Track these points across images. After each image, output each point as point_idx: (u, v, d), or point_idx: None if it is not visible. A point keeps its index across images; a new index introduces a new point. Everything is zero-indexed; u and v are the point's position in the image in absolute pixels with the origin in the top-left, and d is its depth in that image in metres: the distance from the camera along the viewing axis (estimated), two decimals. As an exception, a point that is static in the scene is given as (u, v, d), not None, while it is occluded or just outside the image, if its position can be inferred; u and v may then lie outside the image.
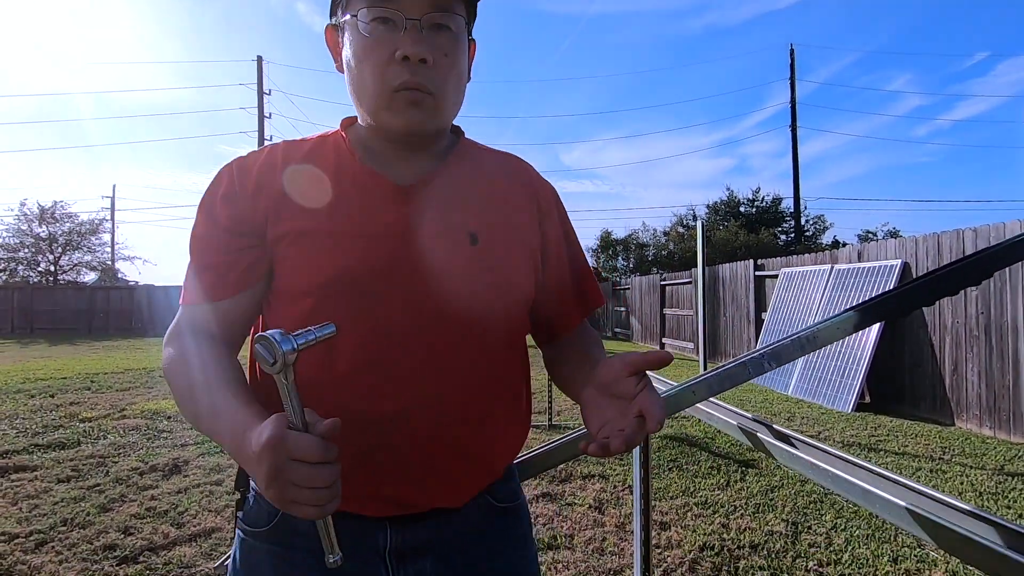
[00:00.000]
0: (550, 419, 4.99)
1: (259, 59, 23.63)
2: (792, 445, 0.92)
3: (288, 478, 0.52)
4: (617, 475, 3.55)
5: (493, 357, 0.73)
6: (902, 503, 0.64)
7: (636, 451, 2.02)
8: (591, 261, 26.55)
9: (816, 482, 0.90)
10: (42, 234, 25.10)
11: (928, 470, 3.77)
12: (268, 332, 0.52)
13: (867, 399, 6.07)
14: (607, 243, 26.15)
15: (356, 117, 0.78)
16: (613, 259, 26.34)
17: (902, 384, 5.83)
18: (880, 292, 5.87)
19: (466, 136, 0.82)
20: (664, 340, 12.56)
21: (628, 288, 15.45)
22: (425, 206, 0.72)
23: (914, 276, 5.68)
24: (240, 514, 0.77)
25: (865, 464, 0.78)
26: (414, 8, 0.67)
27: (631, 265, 25.52)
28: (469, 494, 0.73)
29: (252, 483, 0.77)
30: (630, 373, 0.61)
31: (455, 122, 0.81)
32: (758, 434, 0.98)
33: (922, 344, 5.60)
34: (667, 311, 12.49)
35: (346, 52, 0.72)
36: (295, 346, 0.53)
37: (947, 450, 4.25)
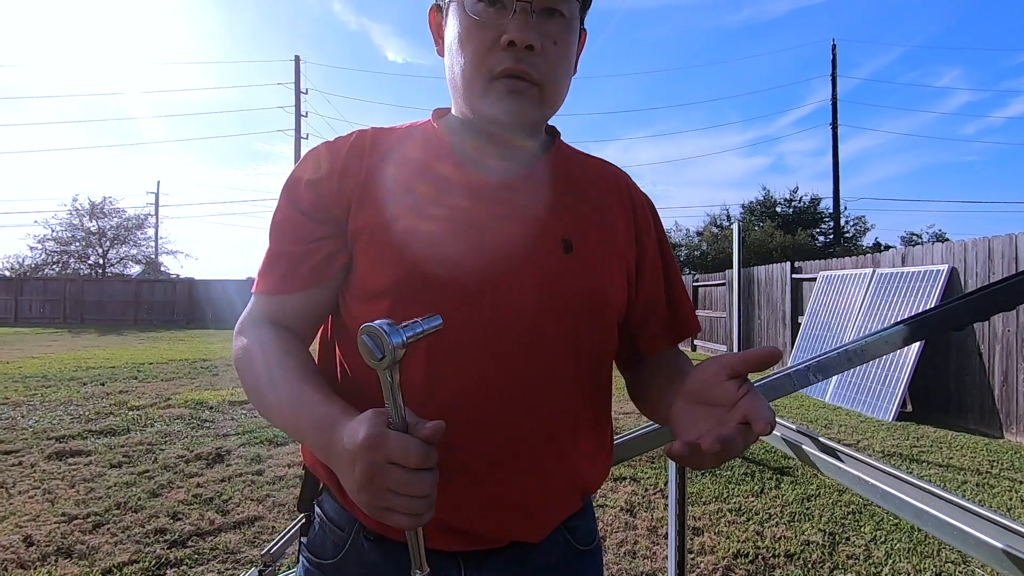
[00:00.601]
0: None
1: (296, 59, 24.17)
2: (838, 459, 0.91)
3: (384, 483, 0.48)
4: (648, 478, 3.54)
5: (582, 375, 0.67)
6: (958, 524, 0.64)
7: (672, 456, 2.02)
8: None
9: (862, 495, 0.90)
10: (92, 228, 26.28)
11: (975, 484, 3.64)
12: (375, 323, 0.47)
13: (909, 408, 5.87)
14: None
15: (448, 108, 0.74)
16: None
17: (947, 393, 5.62)
18: (925, 298, 5.68)
19: (562, 138, 0.77)
20: (696, 342, 12.39)
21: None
22: (518, 207, 0.67)
23: (962, 282, 5.50)
24: (304, 540, 0.72)
25: (914, 480, 0.78)
26: None
27: (662, 265, 25.12)
28: (549, 527, 0.67)
29: (317, 509, 0.72)
30: (728, 376, 0.53)
31: (551, 122, 0.76)
32: (803, 446, 0.98)
33: (970, 352, 5.39)
34: (700, 312, 12.30)
35: (448, 34, 0.68)
36: (404, 339, 0.48)
37: (995, 464, 4.09)
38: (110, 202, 26.71)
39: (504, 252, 0.64)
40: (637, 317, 0.76)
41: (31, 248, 27.04)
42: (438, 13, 0.71)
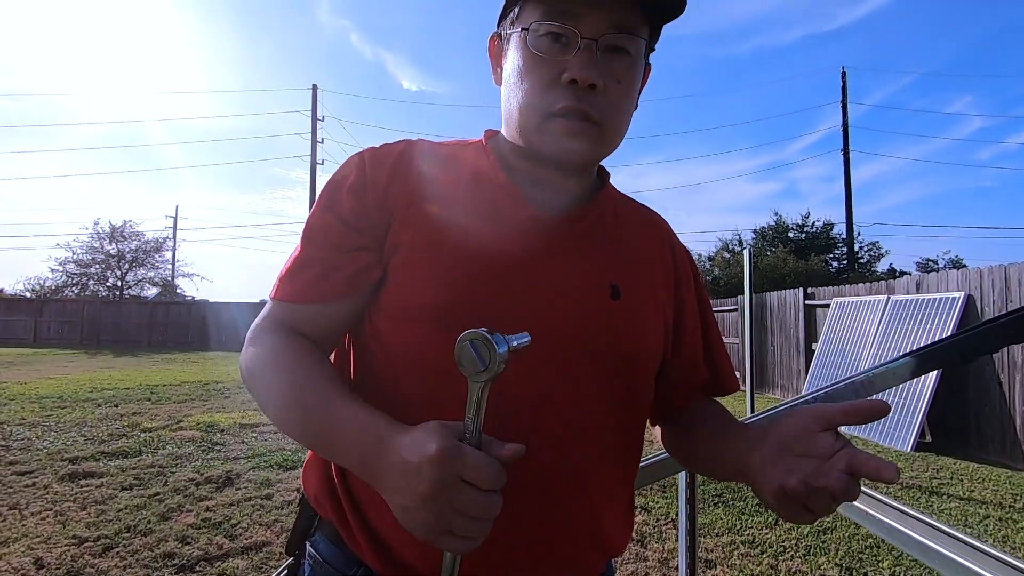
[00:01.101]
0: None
1: (314, 88, 24.77)
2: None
3: (451, 502, 0.45)
4: (660, 508, 3.48)
5: (619, 426, 0.65)
6: (965, 562, 0.63)
7: (682, 484, 1.99)
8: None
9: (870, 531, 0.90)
10: (111, 251, 26.77)
11: (997, 518, 3.53)
12: (480, 330, 0.45)
13: (928, 438, 5.74)
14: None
15: (498, 131, 0.72)
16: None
17: (967, 424, 5.49)
18: (941, 326, 5.59)
19: (610, 181, 0.75)
20: (708, 368, 12.25)
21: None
22: (569, 245, 0.65)
23: (979, 310, 5.41)
24: None
25: (922, 516, 0.77)
26: (593, 27, 0.60)
27: (674, 290, 24.99)
28: None
29: (310, 549, 0.67)
30: (823, 428, 0.51)
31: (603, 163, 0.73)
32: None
33: (988, 382, 5.28)
34: (711, 338, 12.19)
35: (508, 66, 0.66)
36: (508, 350, 0.45)
37: (1019, 497, 3.97)
38: (130, 226, 27.26)
39: (554, 291, 0.62)
40: (676, 373, 0.73)
41: (52, 270, 27.64)
42: (499, 41, 0.69)
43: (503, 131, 0.70)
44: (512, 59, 0.65)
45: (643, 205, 0.79)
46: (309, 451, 0.68)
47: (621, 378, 0.64)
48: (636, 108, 0.69)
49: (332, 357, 0.71)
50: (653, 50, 0.67)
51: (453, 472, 0.45)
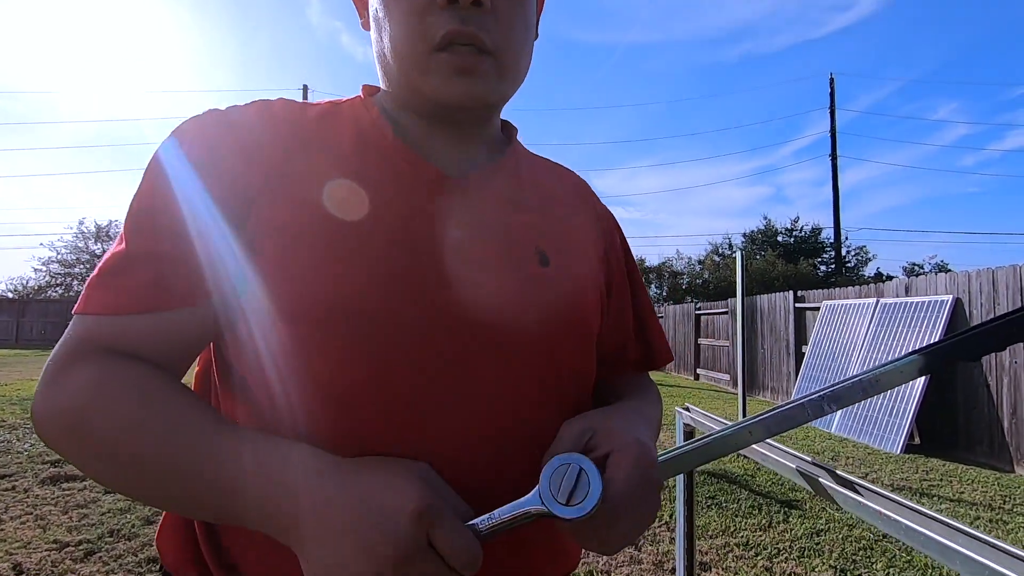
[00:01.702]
0: (583, 449, 4.91)
1: (304, 88, 24.64)
2: (857, 492, 0.89)
3: (414, 573, 0.37)
4: (653, 510, 3.47)
5: (565, 409, 0.54)
6: (988, 562, 0.61)
7: (680, 487, 1.97)
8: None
9: (883, 531, 0.87)
10: (97, 251, 26.43)
11: (987, 520, 3.55)
12: (590, 463, 0.42)
13: (917, 440, 5.78)
14: (640, 270, 25.97)
15: (378, 87, 0.59)
16: (646, 287, 26.13)
17: (955, 426, 5.54)
18: (930, 329, 5.65)
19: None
20: (699, 371, 12.29)
21: (662, 316, 15.23)
22: (484, 209, 0.54)
23: (967, 312, 5.47)
24: None
25: (940, 516, 0.75)
26: None
27: (664, 293, 25.22)
28: None
29: None
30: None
31: (504, 116, 0.62)
32: (819, 479, 0.96)
33: (976, 384, 5.33)
34: (702, 341, 12.24)
35: (374, 1, 0.54)
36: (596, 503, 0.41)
37: (1007, 499, 4.00)
38: (116, 225, 26.94)
39: (475, 263, 0.51)
40: (606, 343, 0.65)
41: (35, 270, 27.27)
42: None
43: (382, 83, 0.58)
44: None
45: (557, 163, 0.69)
46: (164, 512, 0.55)
47: (564, 355, 0.55)
48: (536, 37, 0.59)
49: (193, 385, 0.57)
50: None
51: (424, 535, 0.38)
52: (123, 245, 0.47)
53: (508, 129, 0.65)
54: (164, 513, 0.55)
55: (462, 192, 0.54)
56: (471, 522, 0.41)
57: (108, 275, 0.47)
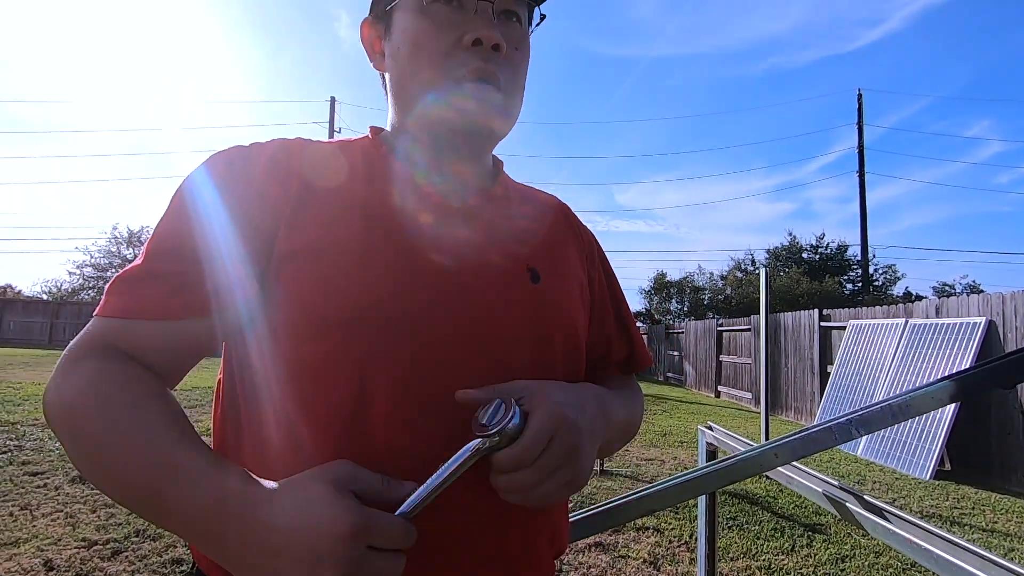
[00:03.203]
0: (602, 464, 4.88)
1: (332, 100, 25.19)
2: (886, 519, 0.88)
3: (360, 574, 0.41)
4: (672, 529, 3.41)
5: None
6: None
7: (702, 507, 1.95)
8: (642, 303, 26.20)
9: (912, 559, 0.86)
10: (128, 255, 27.19)
11: (1023, 552, 3.42)
12: (511, 397, 0.49)
13: (947, 466, 5.60)
14: (661, 284, 25.74)
15: (382, 128, 0.68)
16: (667, 301, 25.84)
17: (988, 453, 5.35)
18: (963, 352, 5.49)
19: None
20: (720, 388, 12.10)
21: (682, 332, 15.06)
22: (481, 230, 0.62)
23: (1001, 336, 5.31)
24: None
25: (975, 548, 0.74)
26: None
27: (685, 308, 24.94)
28: None
29: None
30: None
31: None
32: (847, 504, 0.95)
33: (1011, 411, 5.15)
34: (724, 358, 12.06)
35: (396, 40, 0.61)
36: (516, 425, 0.48)
37: (1044, 531, 3.84)
38: (147, 231, 27.72)
39: (478, 281, 0.58)
40: (594, 351, 0.73)
41: (70, 273, 28.13)
42: (374, 26, 0.66)
43: (393, 118, 0.66)
44: (404, 32, 0.60)
45: (541, 191, 0.78)
46: None
47: (557, 362, 0.61)
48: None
49: (216, 402, 0.61)
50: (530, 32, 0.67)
51: (363, 543, 0.41)
52: (143, 260, 0.53)
53: (496, 163, 0.73)
54: None
55: (461, 217, 0.62)
56: (400, 510, 0.45)
57: (124, 283, 0.52)
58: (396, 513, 0.45)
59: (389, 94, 0.65)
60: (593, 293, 0.73)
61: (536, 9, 0.67)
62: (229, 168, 0.56)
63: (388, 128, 0.67)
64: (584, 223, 0.79)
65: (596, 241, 0.79)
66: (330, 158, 0.61)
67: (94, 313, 0.53)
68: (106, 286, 0.54)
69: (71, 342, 0.53)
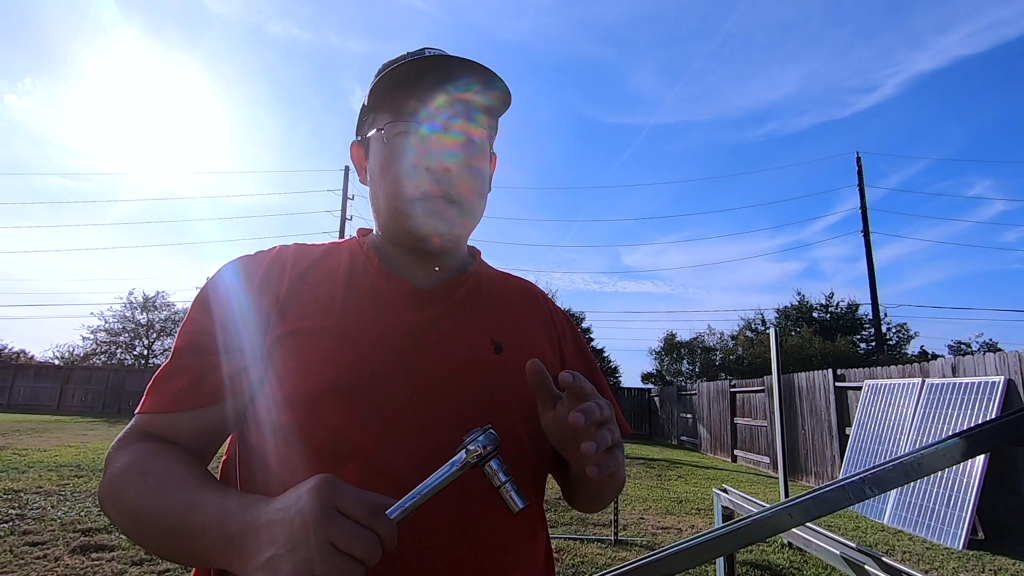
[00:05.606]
0: (616, 533, 4.69)
1: (346, 169, 26.10)
2: (906, 582, 0.86)
3: (327, 532, 0.43)
4: (693, 604, 3.24)
5: (526, 482, 0.65)
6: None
7: (720, 571, 1.88)
8: (653, 364, 25.85)
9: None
10: (142, 320, 27.51)
11: (1069, 629, 3.19)
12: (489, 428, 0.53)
13: (980, 535, 5.32)
14: (671, 346, 25.45)
15: (371, 229, 0.79)
16: (678, 362, 25.47)
17: (1022, 519, 5.09)
18: (982, 412, 5.35)
19: (481, 257, 0.83)
20: (736, 452, 11.72)
21: (695, 393, 14.77)
22: (446, 310, 0.71)
23: (1021, 395, 5.17)
24: None
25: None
26: (437, 119, 0.70)
27: (696, 369, 24.55)
28: None
29: None
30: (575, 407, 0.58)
31: (472, 243, 0.82)
32: (865, 567, 0.93)
33: (1041, 473, 4.94)
34: (738, 420, 11.76)
35: (372, 163, 0.74)
36: (490, 449, 0.52)
37: (1091, 606, 3.60)
38: (162, 296, 28.18)
39: (439, 353, 0.66)
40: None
41: (83, 338, 28.38)
42: (360, 147, 0.78)
43: (375, 225, 0.77)
44: (375, 157, 0.73)
45: (517, 276, 0.86)
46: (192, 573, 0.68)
47: (521, 430, 0.66)
48: (490, 190, 0.79)
49: (219, 473, 0.69)
50: (494, 138, 0.78)
51: (331, 500, 0.45)
52: (171, 358, 0.65)
53: (473, 252, 0.83)
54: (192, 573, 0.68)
55: (429, 299, 0.71)
56: (389, 511, 0.48)
57: (157, 382, 0.64)
58: (386, 512, 0.48)
59: (371, 203, 0.76)
60: (565, 363, 0.78)
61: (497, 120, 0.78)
62: (236, 274, 0.69)
63: (373, 231, 0.79)
64: (562, 308, 0.86)
65: (568, 319, 0.86)
66: (318, 258, 0.72)
67: (135, 411, 0.64)
68: (146, 387, 0.64)
69: (118, 435, 0.63)
